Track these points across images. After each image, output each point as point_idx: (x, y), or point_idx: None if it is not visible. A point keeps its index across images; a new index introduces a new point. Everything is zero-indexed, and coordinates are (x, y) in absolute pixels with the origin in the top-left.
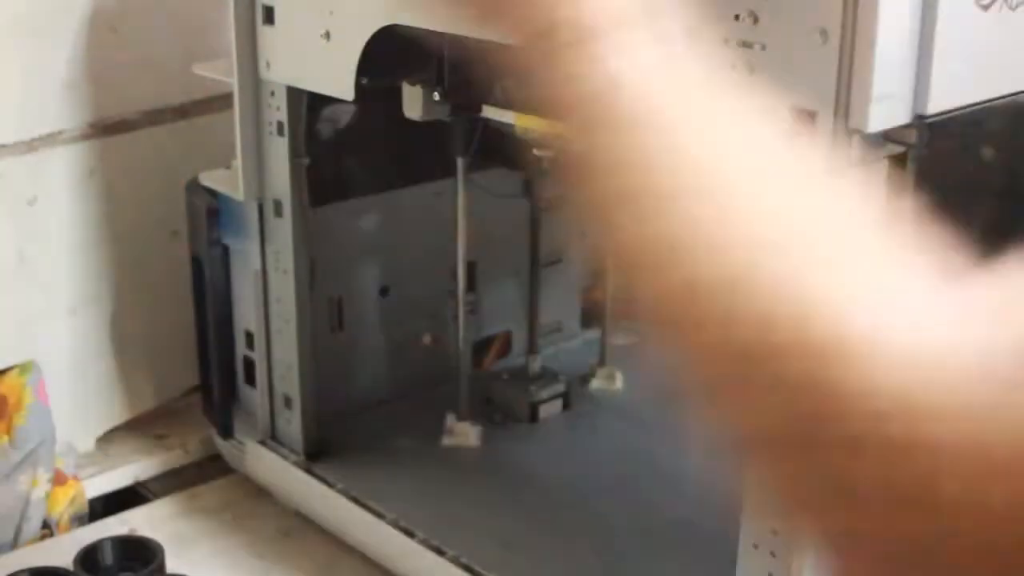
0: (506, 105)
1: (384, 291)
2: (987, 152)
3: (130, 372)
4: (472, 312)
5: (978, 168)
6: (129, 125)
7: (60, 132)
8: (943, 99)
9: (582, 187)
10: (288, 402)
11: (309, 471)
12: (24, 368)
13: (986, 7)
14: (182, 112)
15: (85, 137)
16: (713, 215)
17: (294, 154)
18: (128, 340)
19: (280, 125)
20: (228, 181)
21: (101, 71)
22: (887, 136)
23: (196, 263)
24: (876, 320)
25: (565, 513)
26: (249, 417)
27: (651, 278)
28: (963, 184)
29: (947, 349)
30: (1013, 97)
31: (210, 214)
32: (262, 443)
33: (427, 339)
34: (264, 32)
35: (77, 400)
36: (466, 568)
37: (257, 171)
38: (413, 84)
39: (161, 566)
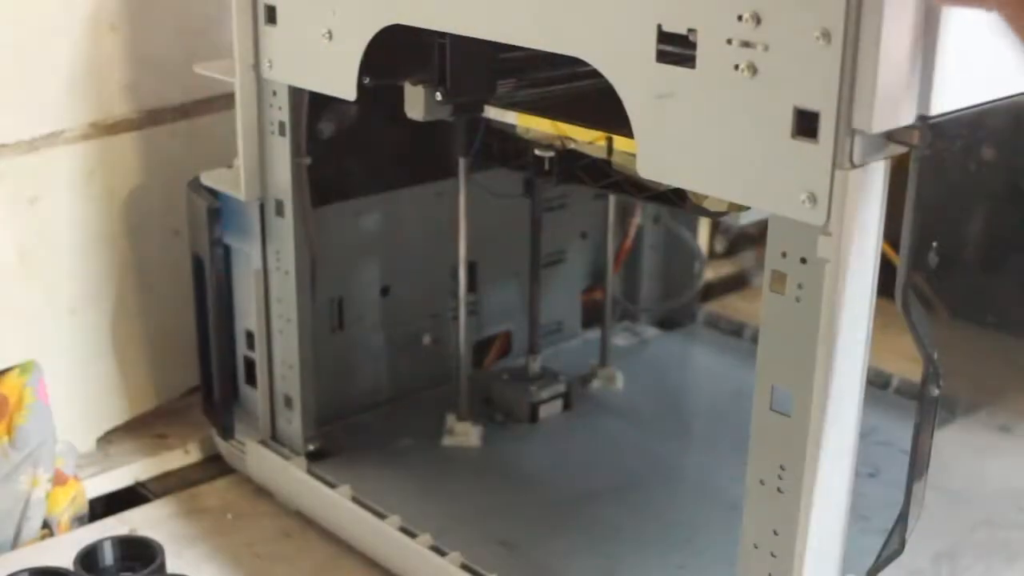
0: (508, 105)
1: (385, 291)
2: (989, 152)
3: (130, 372)
4: (472, 312)
5: (980, 168)
6: (129, 125)
7: (61, 132)
8: (946, 100)
9: None
10: (289, 402)
11: (310, 471)
12: (24, 368)
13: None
14: (182, 112)
15: (85, 137)
16: None
17: (295, 154)
18: (128, 340)
19: (282, 125)
20: (230, 181)
21: (101, 71)
22: (889, 136)
23: (197, 263)
24: None
25: (566, 513)
26: (249, 417)
27: None
28: (965, 184)
29: None
30: (1016, 98)
31: (211, 214)
32: (263, 443)
33: (427, 339)
34: (266, 32)
35: (77, 400)
36: (468, 569)
37: (259, 171)
38: (415, 84)
39: (161, 566)
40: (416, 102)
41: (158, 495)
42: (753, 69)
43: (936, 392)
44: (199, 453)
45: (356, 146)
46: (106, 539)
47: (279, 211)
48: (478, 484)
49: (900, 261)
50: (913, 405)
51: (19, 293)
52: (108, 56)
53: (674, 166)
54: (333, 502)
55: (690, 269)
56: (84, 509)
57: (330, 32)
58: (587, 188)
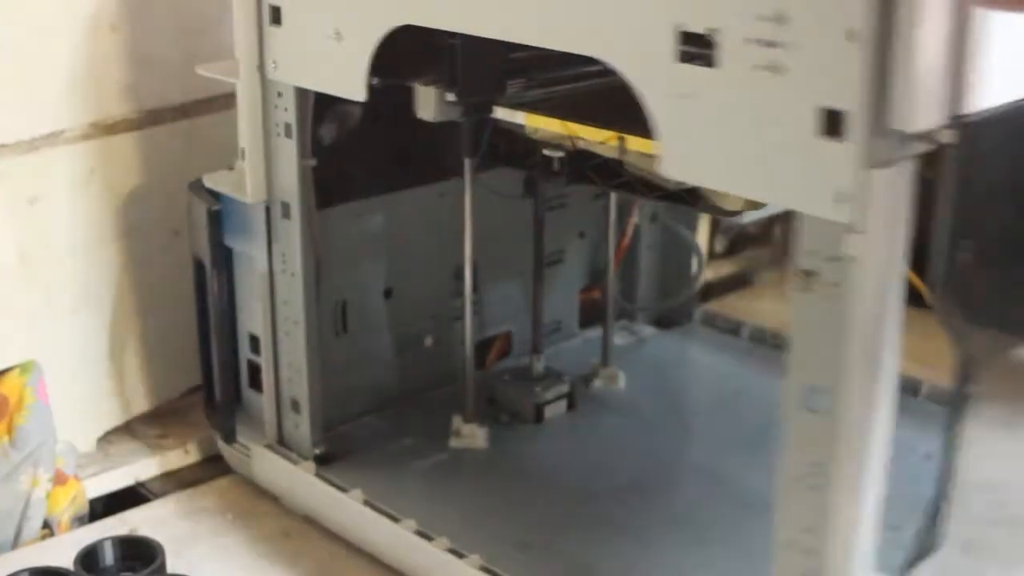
0: (518, 105)
1: (388, 293)
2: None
3: (130, 372)
4: (475, 313)
5: (1015, 167)
6: (129, 125)
7: (61, 132)
8: (980, 98)
9: None
10: (296, 406)
11: (319, 475)
12: (24, 368)
13: None
14: (182, 112)
15: (86, 137)
16: None
17: (302, 155)
18: (128, 340)
19: (288, 127)
20: (233, 183)
21: (101, 71)
22: (922, 136)
23: (198, 266)
24: None
25: (580, 513)
26: (252, 421)
27: None
28: (999, 183)
29: None
30: None
31: (212, 216)
32: (269, 448)
33: (428, 341)
34: (271, 33)
35: (77, 400)
36: (488, 571)
37: (264, 173)
38: (426, 85)
39: (161, 566)
40: (427, 103)
41: (158, 495)
42: (776, 69)
43: (969, 391)
44: (199, 453)
45: (358, 148)
46: (106, 539)
47: (285, 213)
48: (489, 486)
49: (934, 259)
50: (911, 404)
51: (19, 293)
52: (108, 56)
53: (698, 165)
54: (345, 506)
55: (687, 268)
56: (84, 509)
57: (338, 33)
58: (596, 188)
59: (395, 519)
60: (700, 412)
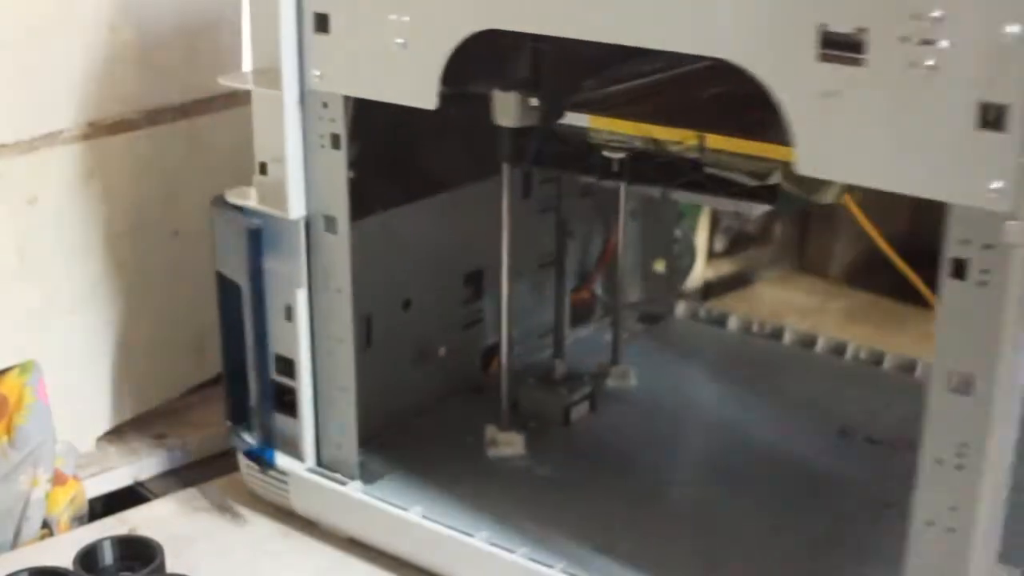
0: (581, 106)
1: (406, 304)
2: None
3: (130, 372)
4: (479, 320)
5: None
6: (129, 125)
7: (60, 132)
8: None
9: None
10: (341, 426)
11: (371, 495)
12: (24, 368)
13: None
14: (182, 112)
15: (85, 137)
16: None
17: (348, 167)
18: (128, 340)
19: (335, 138)
20: (267, 199)
21: (101, 71)
22: None
23: (225, 285)
24: None
25: (648, 513)
26: (278, 446)
27: None
28: None
29: None
30: None
31: (252, 235)
32: (311, 471)
33: (442, 351)
34: (316, 41)
35: (77, 400)
36: None
37: (303, 187)
38: (506, 90)
39: (161, 566)
40: (507, 109)
41: (158, 495)
42: (931, 66)
43: None
44: (199, 453)
45: (380, 158)
46: (106, 539)
47: (330, 227)
48: (544, 493)
49: None
50: None
51: (19, 293)
52: (108, 56)
53: (841, 163)
54: (404, 526)
55: (674, 264)
56: (84, 509)
57: (405, 40)
58: (658, 189)
59: (467, 534)
60: (720, 404)
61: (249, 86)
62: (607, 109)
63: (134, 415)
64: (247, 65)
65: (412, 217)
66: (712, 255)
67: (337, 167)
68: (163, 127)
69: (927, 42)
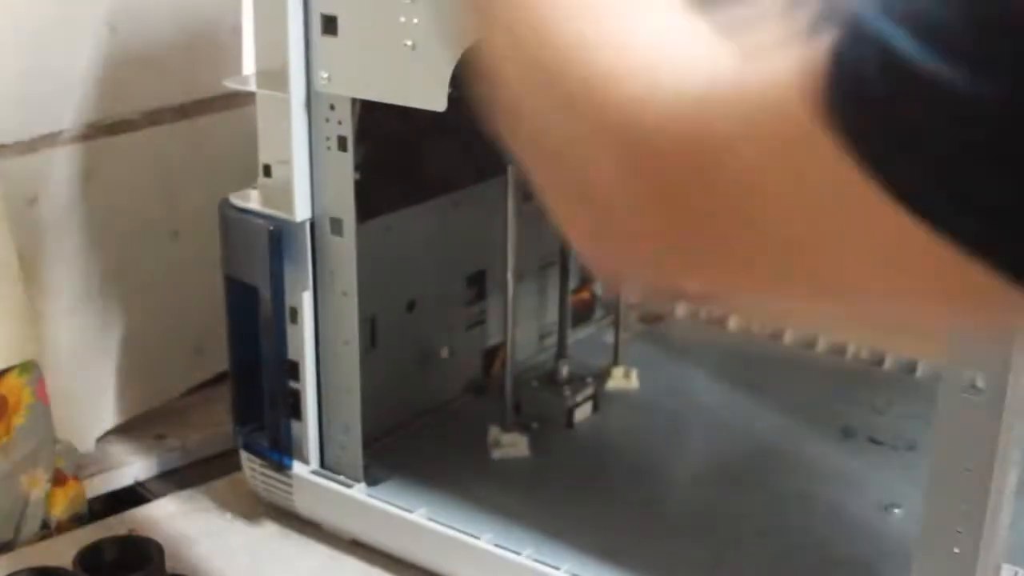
0: None
1: (411, 306)
2: None
3: (130, 372)
4: (481, 321)
5: None
6: (129, 125)
7: (60, 132)
8: None
9: None
10: (346, 428)
11: (376, 497)
12: (24, 368)
13: None
14: (182, 112)
15: (85, 137)
16: None
17: (354, 169)
18: (128, 340)
19: (342, 140)
20: (272, 201)
21: (101, 71)
22: None
23: (235, 288)
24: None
25: (653, 515)
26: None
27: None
28: None
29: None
30: None
31: (273, 237)
32: (315, 474)
33: (444, 352)
34: (323, 43)
35: (77, 400)
36: None
37: (309, 189)
38: None
39: (161, 566)
40: None
41: (158, 495)
42: None
43: None
44: (199, 453)
45: (385, 161)
46: (106, 539)
47: (336, 230)
48: (548, 495)
49: None
50: None
51: (19, 293)
52: (108, 56)
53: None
54: (409, 527)
55: None
56: (84, 509)
57: (414, 42)
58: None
59: (473, 536)
60: (723, 404)
61: (254, 89)
62: None
63: (134, 415)
64: (248, 65)
65: (416, 219)
66: None
67: (344, 169)
68: (163, 127)
69: None
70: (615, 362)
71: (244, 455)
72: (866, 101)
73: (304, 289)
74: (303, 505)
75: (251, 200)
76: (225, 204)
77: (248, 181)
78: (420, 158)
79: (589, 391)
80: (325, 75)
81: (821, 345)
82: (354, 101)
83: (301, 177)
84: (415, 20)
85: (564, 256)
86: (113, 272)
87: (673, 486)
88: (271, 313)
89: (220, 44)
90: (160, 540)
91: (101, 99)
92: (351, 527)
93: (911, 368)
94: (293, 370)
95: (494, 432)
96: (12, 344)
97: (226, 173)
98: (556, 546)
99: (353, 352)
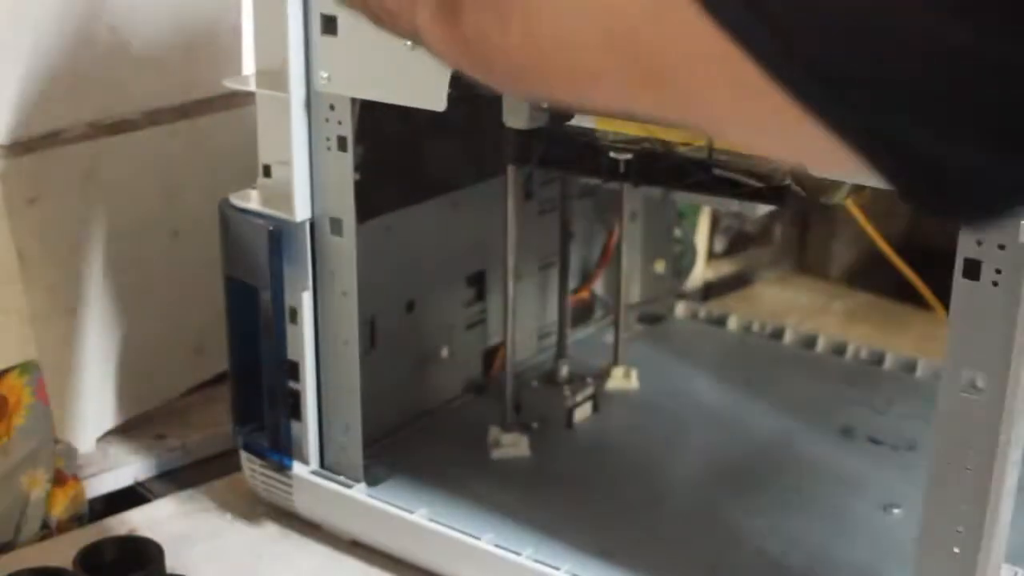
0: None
1: (410, 306)
2: None
3: (130, 372)
4: (482, 321)
5: None
6: (129, 125)
7: (60, 132)
8: None
9: None
10: (346, 428)
11: (376, 498)
12: (24, 368)
13: None
14: (182, 112)
15: (85, 137)
16: None
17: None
18: (128, 340)
19: (342, 140)
20: (272, 201)
21: (101, 71)
22: None
23: (235, 288)
24: None
25: (652, 516)
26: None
27: None
28: None
29: None
30: None
31: (273, 237)
32: (315, 474)
33: (444, 352)
34: (323, 43)
35: (77, 400)
36: None
37: (309, 189)
38: None
39: (161, 566)
40: (518, 110)
41: (158, 495)
42: None
43: None
44: (199, 453)
45: (383, 161)
46: (106, 539)
47: (336, 230)
48: (548, 495)
49: None
50: None
51: (19, 293)
52: (108, 56)
53: None
54: (410, 528)
55: (676, 264)
56: (84, 509)
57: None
58: (664, 190)
59: (473, 536)
60: (723, 405)
61: (254, 88)
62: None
63: (134, 415)
64: (248, 65)
65: (415, 219)
66: (712, 255)
67: (344, 169)
68: (163, 127)
69: None
70: (615, 362)
71: (244, 455)
72: None
73: (304, 289)
74: (303, 505)
75: (251, 200)
76: (225, 204)
77: (248, 181)
78: (420, 158)
79: (589, 391)
80: (325, 75)
81: (820, 345)
82: (354, 101)
83: (301, 177)
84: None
85: (565, 256)
86: (113, 272)
87: (673, 486)
88: (271, 313)
89: (220, 44)
90: (160, 540)
91: (101, 99)
92: (351, 527)
93: (911, 367)
94: (293, 370)
95: (494, 432)
96: (12, 344)
97: (226, 173)
98: (556, 546)
99: (353, 352)
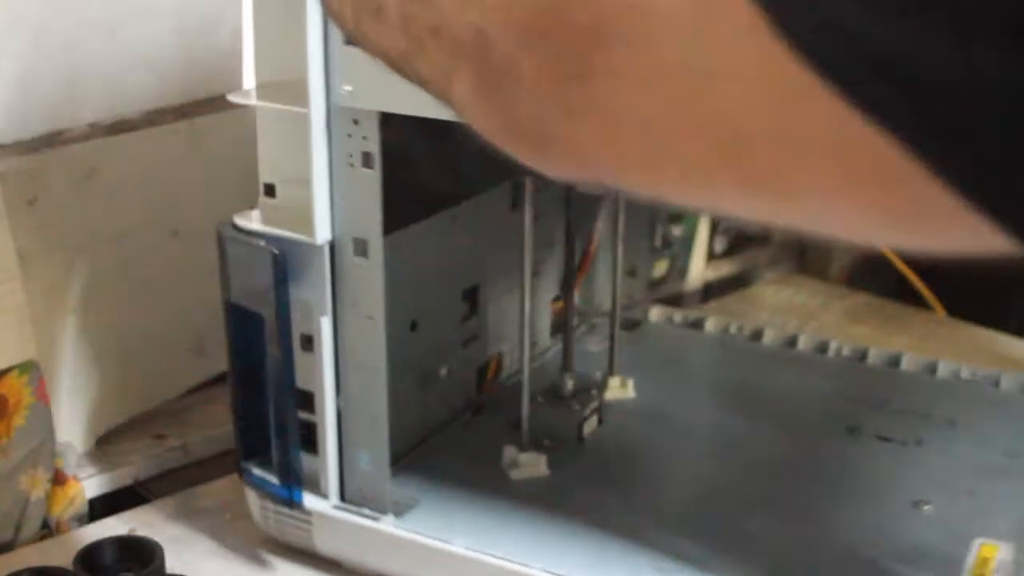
0: None
1: (413, 325)
2: None
3: (130, 372)
4: (476, 337)
5: None
6: (129, 125)
7: (60, 132)
8: None
9: None
10: (371, 459)
11: (409, 530)
12: (24, 368)
13: None
14: (182, 112)
15: (85, 137)
16: None
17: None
18: (128, 340)
19: (367, 156)
20: (281, 222)
21: (101, 71)
22: None
23: (237, 314)
24: None
25: (695, 529)
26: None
27: None
28: None
29: None
30: None
31: (278, 261)
32: (337, 508)
33: (443, 371)
34: (345, 54)
35: (77, 400)
36: None
37: (330, 209)
38: None
39: (161, 566)
40: None
41: (158, 495)
42: None
43: None
44: (199, 453)
45: (389, 179)
46: (106, 539)
47: (360, 251)
48: (582, 514)
49: None
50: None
51: (19, 293)
52: (108, 56)
53: None
54: (450, 559)
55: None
56: (84, 509)
57: None
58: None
59: (524, 564)
60: (725, 409)
61: (262, 103)
62: None
63: (134, 415)
64: (248, 66)
65: (417, 237)
66: (712, 256)
67: (370, 187)
68: (163, 127)
69: None
70: (610, 372)
71: (250, 493)
72: None
73: (323, 314)
74: (324, 543)
75: (253, 221)
76: (223, 226)
77: (248, 182)
78: (423, 174)
79: (595, 404)
80: (348, 88)
81: (802, 344)
82: (380, 115)
83: (321, 197)
84: None
85: (570, 265)
86: (113, 272)
87: (704, 495)
88: (278, 341)
89: (220, 45)
90: (160, 540)
91: (101, 99)
92: (380, 563)
93: (895, 362)
94: (305, 400)
95: (510, 452)
96: (12, 344)
97: (226, 173)
98: (605, 569)
99: (380, 378)
